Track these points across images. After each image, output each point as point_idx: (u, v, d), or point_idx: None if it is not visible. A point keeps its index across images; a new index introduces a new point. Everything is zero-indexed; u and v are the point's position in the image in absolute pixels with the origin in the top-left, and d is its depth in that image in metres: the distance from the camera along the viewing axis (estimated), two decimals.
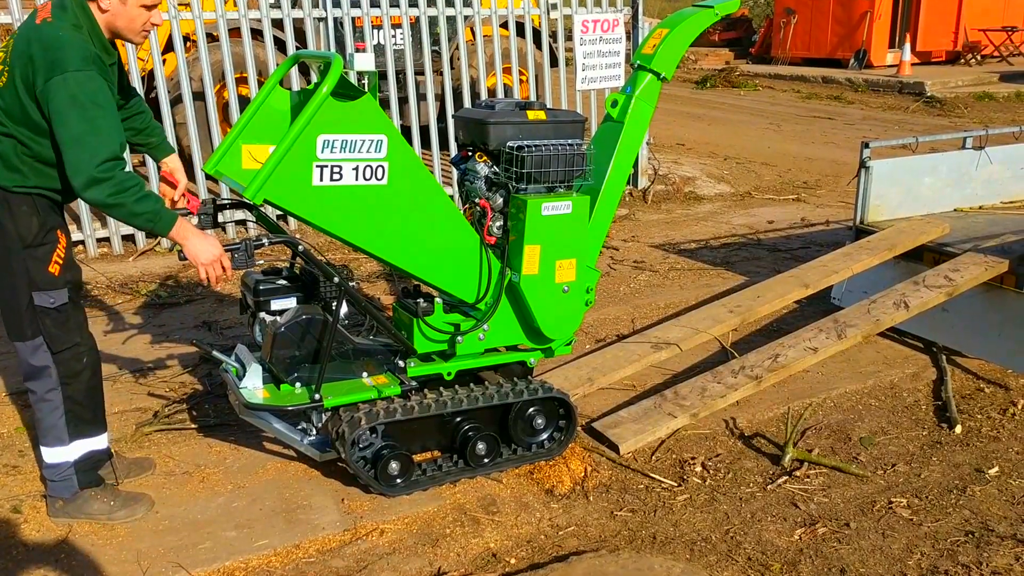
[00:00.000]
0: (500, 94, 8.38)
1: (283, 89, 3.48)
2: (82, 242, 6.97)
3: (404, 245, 3.35)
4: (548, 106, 3.65)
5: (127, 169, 2.93)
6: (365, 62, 3.24)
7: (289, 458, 3.90)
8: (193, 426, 4.17)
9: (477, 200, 3.57)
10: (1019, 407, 4.35)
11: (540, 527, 3.50)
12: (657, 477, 3.80)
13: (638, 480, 3.79)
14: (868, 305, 4.77)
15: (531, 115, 3.54)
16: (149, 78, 7.65)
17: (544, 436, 3.83)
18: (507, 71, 8.54)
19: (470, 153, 3.66)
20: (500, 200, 3.55)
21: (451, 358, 3.68)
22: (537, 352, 3.86)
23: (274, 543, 3.33)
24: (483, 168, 3.58)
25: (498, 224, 3.57)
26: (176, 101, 7.32)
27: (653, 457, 3.96)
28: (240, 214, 7.12)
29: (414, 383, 3.60)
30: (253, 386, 3.51)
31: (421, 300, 3.60)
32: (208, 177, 7.38)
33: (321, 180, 3.08)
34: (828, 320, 4.72)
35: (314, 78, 3.54)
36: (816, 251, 6.54)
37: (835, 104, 15.15)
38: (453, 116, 3.71)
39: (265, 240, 3.24)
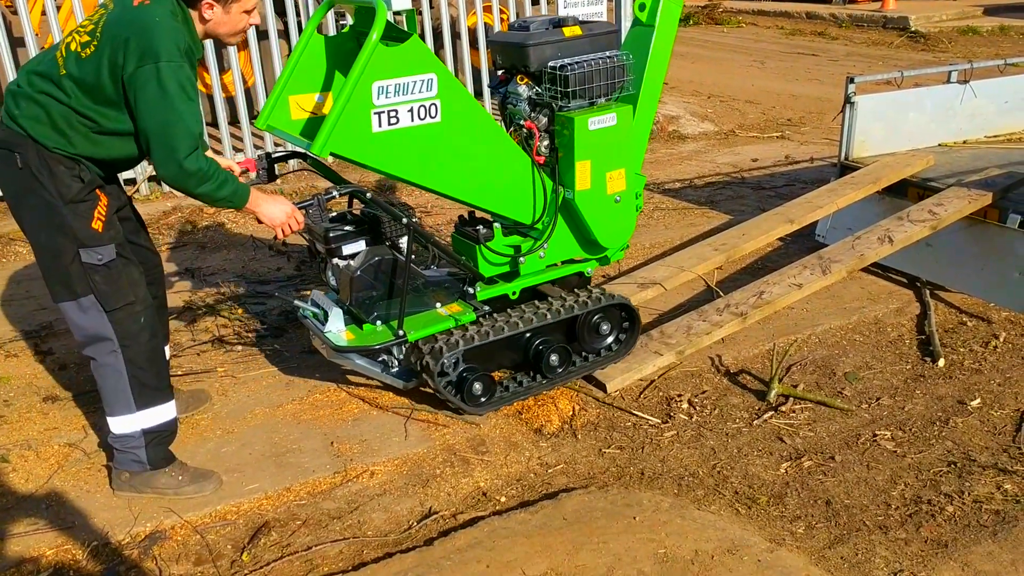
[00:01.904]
0: (481, 33, 8.24)
1: (319, 35, 3.51)
2: None
3: (463, 177, 3.45)
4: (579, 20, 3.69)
5: (206, 154, 2.96)
6: (402, 1, 3.29)
7: (276, 403, 3.91)
8: (179, 373, 4.16)
9: (522, 122, 3.63)
10: (1001, 340, 4.40)
11: (529, 466, 3.53)
12: (644, 415, 3.82)
13: (625, 418, 3.82)
14: (852, 241, 4.77)
15: (567, 32, 3.57)
16: None
17: (610, 340, 4.04)
18: (487, 9, 8.39)
19: (508, 77, 3.72)
20: (545, 120, 3.62)
21: (514, 278, 3.78)
22: (592, 262, 3.98)
23: (265, 487, 3.34)
24: (525, 90, 3.64)
25: (545, 144, 3.64)
26: None
27: (640, 395, 3.98)
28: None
29: (486, 308, 3.74)
30: (337, 329, 3.64)
31: (480, 227, 3.70)
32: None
33: (380, 126, 3.18)
34: (813, 257, 4.73)
35: (348, 20, 3.57)
36: (800, 189, 6.52)
37: (819, 40, 15.00)
38: (488, 41, 3.79)
39: (335, 192, 3.36)
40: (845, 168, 5.53)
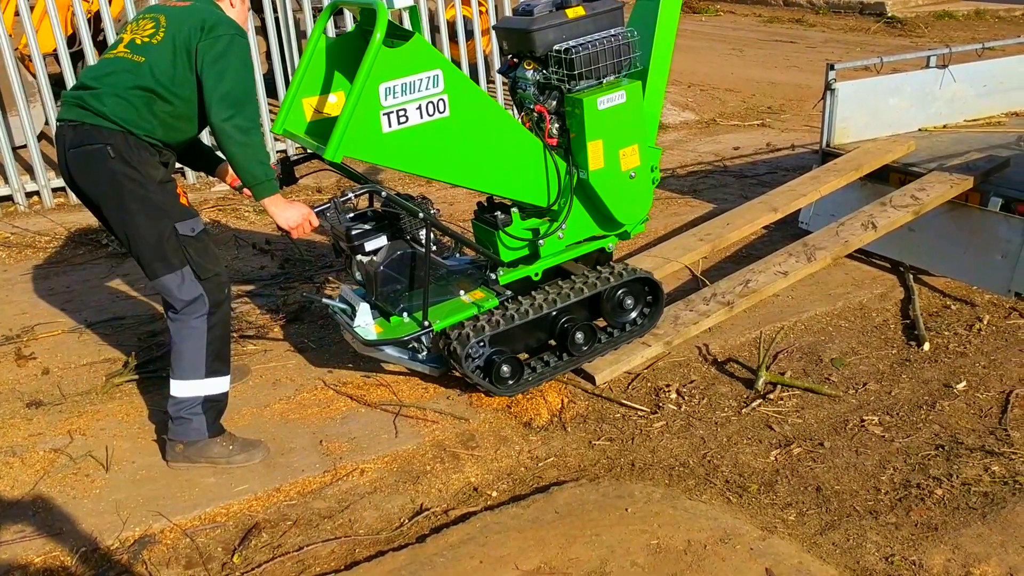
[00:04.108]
0: (460, 26, 8.20)
1: (325, 36, 3.57)
2: (37, 193, 6.79)
3: (476, 168, 3.48)
4: None
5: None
6: None
7: (264, 403, 3.88)
8: (164, 374, 4.11)
9: (532, 106, 3.65)
10: (985, 322, 4.42)
11: (520, 459, 3.52)
12: (633, 405, 3.83)
13: (615, 409, 3.82)
14: (836, 228, 4.78)
15: (571, 13, 3.58)
16: (95, 20, 7.38)
17: (634, 315, 4.08)
18: (466, 2, 8.35)
19: (517, 61, 3.73)
20: (554, 102, 3.63)
21: (535, 260, 3.81)
22: (613, 237, 4.00)
23: (254, 488, 3.32)
24: (533, 74, 3.66)
25: (557, 126, 3.65)
26: None
27: (629, 387, 3.98)
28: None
29: (509, 292, 3.78)
30: (365, 323, 3.70)
31: (499, 213, 3.73)
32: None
33: (390, 126, 3.22)
34: (797, 244, 4.74)
35: (349, 22, 3.62)
36: (783, 176, 6.54)
37: (797, 27, 15.03)
38: (493, 27, 3.79)
39: (351, 193, 3.42)
40: (827, 155, 5.54)
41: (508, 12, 8.52)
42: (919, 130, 5.85)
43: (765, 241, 5.53)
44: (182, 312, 3.32)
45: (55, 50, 6.72)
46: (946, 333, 4.37)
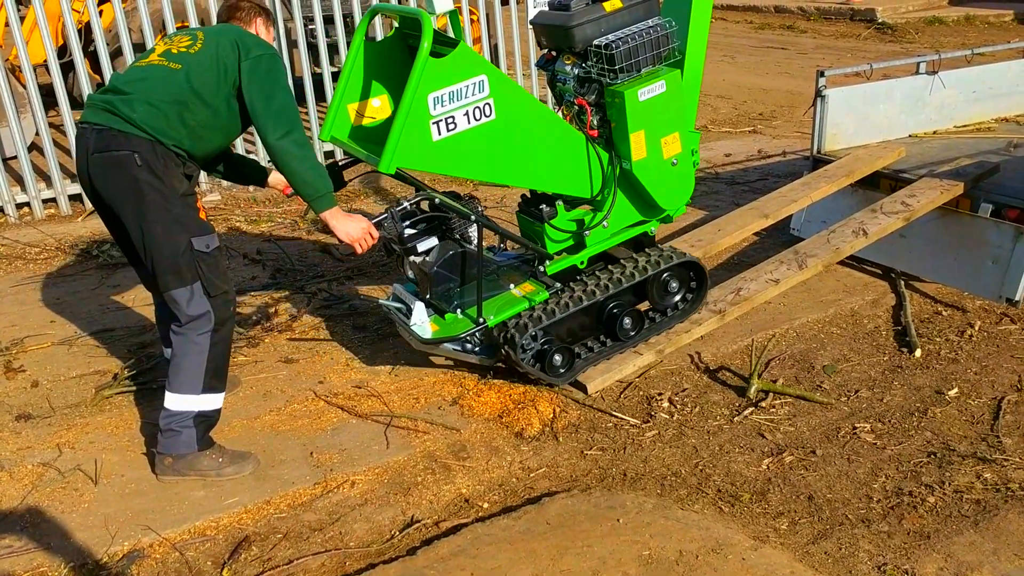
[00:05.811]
0: (450, 35, 8.19)
1: (366, 41, 3.63)
2: (27, 204, 6.77)
3: (524, 166, 3.56)
4: None
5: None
6: (444, 3, 3.35)
7: (254, 415, 3.87)
8: (155, 386, 4.10)
9: (572, 99, 3.68)
10: (976, 328, 4.42)
11: (511, 470, 3.50)
12: (625, 415, 3.81)
13: (606, 419, 3.81)
14: (827, 235, 4.79)
15: (608, 7, 3.61)
16: (86, 31, 7.37)
17: (678, 298, 4.22)
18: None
19: (555, 55, 3.77)
20: (594, 95, 3.66)
21: (580, 248, 3.92)
22: (655, 221, 4.05)
23: (244, 500, 3.30)
24: (573, 68, 3.69)
25: (598, 118, 3.69)
26: (116, 54, 7.07)
27: (621, 395, 3.97)
28: None
29: (558, 284, 3.87)
30: (421, 321, 3.78)
31: (544, 206, 3.79)
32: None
33: (439, 134, 3.29)
34: (789, 251, 4.74)
35: (381, 31, 3.71)
36: (774, 182, 6.54)
37: (788, 33, 15.08)
38: (531, 22, 3.86)
39: (406, 203, 3.48)
40: (818, 161, 5.54)
41: (499, 19, 8.53)
42: (909, 136, 5.86)
43: (756, 248, 5.53)
44: (186, 326, 3.31)
45: (45, 61, 6.70)
46: (937, 339, 4.37)
